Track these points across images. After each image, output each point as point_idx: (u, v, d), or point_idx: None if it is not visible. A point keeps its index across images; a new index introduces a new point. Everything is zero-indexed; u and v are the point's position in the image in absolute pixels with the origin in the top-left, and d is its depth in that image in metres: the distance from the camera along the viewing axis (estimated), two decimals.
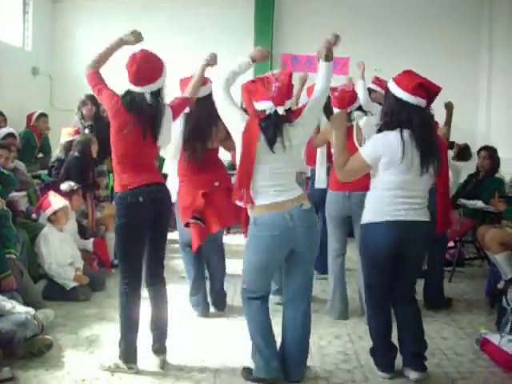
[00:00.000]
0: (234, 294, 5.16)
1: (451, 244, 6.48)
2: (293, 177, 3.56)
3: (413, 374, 3.70)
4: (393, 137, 3.48)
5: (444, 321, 4.88)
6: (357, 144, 4.52)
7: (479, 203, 5.99)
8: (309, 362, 3.92)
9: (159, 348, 3.79)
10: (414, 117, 3.47)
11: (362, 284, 4.26)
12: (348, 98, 4.72)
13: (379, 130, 3.58)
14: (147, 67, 3.63)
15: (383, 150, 3.48)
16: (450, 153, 7.69)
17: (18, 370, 3.64)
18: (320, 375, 3.77)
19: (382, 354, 3.77)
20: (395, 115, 3.51)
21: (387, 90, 3.60)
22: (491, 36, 9.49)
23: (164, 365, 3.78)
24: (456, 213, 6.40)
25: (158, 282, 3.82)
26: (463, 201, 6.22)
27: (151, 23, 9.42)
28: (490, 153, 6.31)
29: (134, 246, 3.63)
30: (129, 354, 3.68)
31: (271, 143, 3.38)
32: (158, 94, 3.68)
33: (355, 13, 9.62)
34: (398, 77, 3.58)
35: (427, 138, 3.51)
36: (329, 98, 4.55)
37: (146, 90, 3.63)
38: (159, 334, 3.80)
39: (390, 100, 3.57)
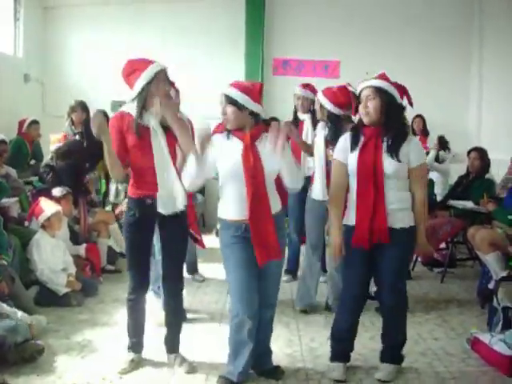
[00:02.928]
0: None
1: (443, 245, 6.52)
2: None
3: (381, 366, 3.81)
4: None
5: (435, 322, 4.91)
6: None
7: (469, 204, 6.03)
8: (300, 364, 3.96)
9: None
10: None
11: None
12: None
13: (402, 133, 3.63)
14: (128, 73, 3.64)
15: None
16: (431, 154, 7.74)
17: (8, 376, 3.64)
18: (311, 376, 3.78)
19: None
20: (400, 117, 3.65)
21: (380, 89, 3.54)
22: (482, 36, 9.53)
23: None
24: (446, 214, 6.44)
25: None
26: (453, 202, 6.25)
27: (142, 29, 9.48)
28: (480, 154, 6.34)
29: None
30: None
31: None
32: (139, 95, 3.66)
33: (346, 16, 9.63)
34: (395, 83, 3.63)
35: None
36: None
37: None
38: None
39: (397, 106, 3.63)
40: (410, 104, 3.73)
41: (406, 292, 3.79)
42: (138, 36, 9.35)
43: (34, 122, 7.73)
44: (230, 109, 3.42)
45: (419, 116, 8.75)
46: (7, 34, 8.84)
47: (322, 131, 4.87)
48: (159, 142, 3.60)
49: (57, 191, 5.75)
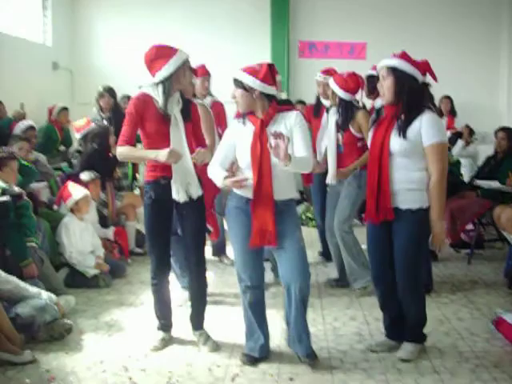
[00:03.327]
0: None
1: (470, 226, 6.46)
2: None
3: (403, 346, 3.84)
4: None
5: (461, 302, 4.88)
6: None
7: (495, 184, 5.96)
8: (323, 343, 3.99)
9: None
10: (426, 98, 3.60)
11: None
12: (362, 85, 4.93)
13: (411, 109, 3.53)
14: (152, 58, 3.66)
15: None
16: (458, 146, 7.69)
17: (39, 352, 3.77)
18: (334, 355, 3.81)
19: None
20: (418, 94, 3.51)
21: (394, 68, 3.49)
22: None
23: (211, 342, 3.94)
24: (474, 195, 6.38)
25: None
26: (479, 182, 6.18)
27: (168, 15, 9.54)
28: (508, 133, 6.24)
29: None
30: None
31: None
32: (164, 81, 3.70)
33: None
34: (406, 56, 3.53)
35: None
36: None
37: None
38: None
39: (402, 78, 3.46)
40: (434, 79, 3.67)
41: (420, 274, 3.72)
42: (164, 22, 9.43)
43: (64, 109, 7.87)
44: (237, 91, 3.43)
45: (447, 97, 8.65)
46: (36, 23, 8.99)
47: (333, 116, 4.99)
48: (178, 130, 3.65)
49: (85, 175, 5.86)
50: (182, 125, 3.67)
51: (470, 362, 3.73)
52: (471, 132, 7.98)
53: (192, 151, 3.67)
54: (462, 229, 6.25)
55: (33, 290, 4.08)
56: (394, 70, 3.47)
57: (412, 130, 3.47)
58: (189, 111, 3.77)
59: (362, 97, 4.97)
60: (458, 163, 7.37)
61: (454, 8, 9.47)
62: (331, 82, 4.92)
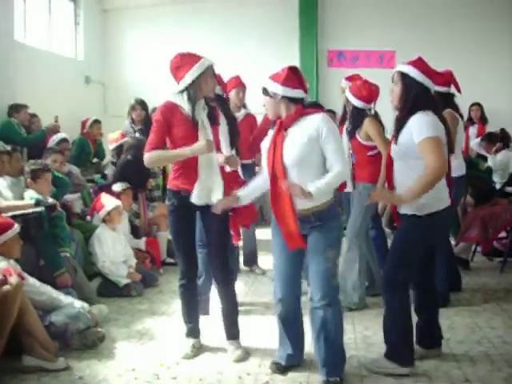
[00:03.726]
0: None
1: (503, 234, 6.38)
2: None
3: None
4: (434, 117, 3.43)
5: (493, 311, 4.82)
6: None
7: None
8: (353, 351, 3.98)
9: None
10: (434, 102, 3.47)
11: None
12: (376, 93, 4.88)
13: (408, 113, 3.47)
14: (176, 66, 3.73)
15: (440, 128, 3.45)
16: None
17: (72, 360, 3.84)
18: (364, 364, 3.80)
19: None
20: (421, 98, 3.44)
21: (403, 74, 3.44)
22: None
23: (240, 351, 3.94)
24: (506, 202, 6.30)
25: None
26: (510, 188, 6.12)
27: (198, 28, 9.66)
28: None
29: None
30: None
31: None
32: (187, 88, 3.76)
33: (400, 6, 9.55)
34: (418, 63, 3.51)
35: (445, 123, 3.52)
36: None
37: None
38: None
39: (410, 84, 3.42)
40: (458, 90, 3.66)
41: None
42: (193, 34, 9.55)
43: (96, 122, 8.03)
44: (265, 99, 3.45)
45: (477, 104, 8.57)
46: (68, 38, 9.20)
47: (348, 124, 4.99)
48: (207, 135, 3.68)
49: (117, 186, 5.96)
50: (209, 128, 3.73)
51: (503, 370, 3.68)
52: (507, 138, 7.79)
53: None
54: (494, 237, 6.16)
55: (66, 299, 4.16)
56: (404, 76, 3.44)
57: (403, 135, 3.44)
58: (214, 115, 3.81)
59: (374, 105, 4.92)
60: (489, 170, 7.28)
61: (483, 15, 9.38)
62: (347, 90, 4.92)
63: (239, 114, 5.50)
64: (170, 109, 3.72)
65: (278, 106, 3.41)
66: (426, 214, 3.45)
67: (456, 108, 4.83)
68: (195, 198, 3.70)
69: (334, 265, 3.41)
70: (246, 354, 3.94)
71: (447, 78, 4.73)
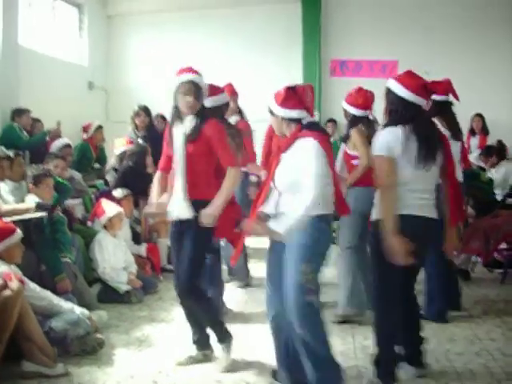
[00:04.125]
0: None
1: (504, 245, 6.38)
2: None
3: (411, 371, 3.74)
4: (397, 131, 3.44)
5: (493, 322, 4.81)
6: None
7: None
8: (353, 361, 3.98)
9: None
10: (416, 115, 3.45)
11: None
12: (371, 99, 4.84)
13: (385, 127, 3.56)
14: None
15: (394, 142, 3.42)
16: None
17: (71, 366, 3.83)
18: (363, 374, 3.79)
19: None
20: (401, 114, 3.47)
21: (388, 89, 3.51)
22: None
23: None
24: (508, 213, 6.31)
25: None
26: (511, 200, 6.13)
27: (202, 35, 9.69)
28: None
29: None
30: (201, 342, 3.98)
31: None
32: None
33: (403, 15, 9.58)
34: (401, 77, 3.55)
35: (430, 135, 3.48)
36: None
37: None
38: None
39: (392, 98, 3.50)
40: (456, 98, 3.67)
41: None
42: (198, 41, 9.59)
43: (100, 127, 8.03)
44: (271, 118, 3.46)
45: (478, 115, 8.59)
46: (73, 44, 9.23)
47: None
48: (180, 150, 3.75)
49: (118, 193, 5.97)
50: (182, 146, 3.75)
51: (502, 383, 3.67)
52: (503, 148, 7.86)
53: (199, 169, 3.76)
54: (495, 248, 6.17)
55: (66, 305, 4.16)
56: (388, 92, 3.50)
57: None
58: (198, 130, 3.78)
59: (371, 111, 4.94)
60: (490, 182, 7.29)
61: (484, 27, 9.41)
62: (343, 102, 4.93)
63: (231, 121, 5.46)
64: (167, 128, 3.92)
65: (280, 125, 3.40)
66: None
67: (453, 117, 4.84)
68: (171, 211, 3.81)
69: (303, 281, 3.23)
70: (231, 365, 3.90)
71: (445, 87, 4.75)
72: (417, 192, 3.47)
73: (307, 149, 3.22)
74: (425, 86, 3.48)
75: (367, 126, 4.75)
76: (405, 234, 3.37)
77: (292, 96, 3.34)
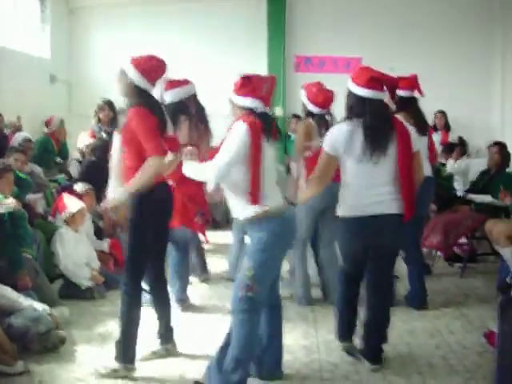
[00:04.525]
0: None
1: (464, 240, 6.50)
2: None
3: (367, 365, 3.83)
4: (343, 127, 3.66)
5: (453, 315, 4.91)
6: None
7: (487, 198, 6.02)
8: (315, 355, 4.02)
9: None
10: (366, 108, 3.60)
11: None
12: (332, 98, 4.98)
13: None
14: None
15: (338, 138, 3.63)
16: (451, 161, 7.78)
17: (32, 363, 3.78)
18: (325, 367, 3.84)
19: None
20: (353, 109, 3.66)
21: (347, 87, 3.72)
22: (505, 31, 9.46)
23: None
24: (467, 209, 6.43)
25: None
26: (471, 196, 6.25)
27: (166, 28, 9.63)
28: (500, 148, 6.32)
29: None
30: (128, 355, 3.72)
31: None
32: None
33: (368, 12, 9.67)
34: (354, 73, 3.72)
35: (377, 127, 3.59)
36: None
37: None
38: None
39: (347, 95, 3.73)
40: (420, 93, 3.78)
41: None
42: (161, 34, 9.51)
43: (62, 122, 7.90)
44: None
45: (441, 111, 8.73)
46: (34, 36, 9.06)
47: None
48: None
49: (79, 187, 5.90)
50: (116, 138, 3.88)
51: (461, 375, 3.75)
52: (463, 144, 8.05)
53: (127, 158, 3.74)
54: (455, 242, 6.29)
55: (26, 302, 4.10)
56: (347, 90, 3.72)
57: None
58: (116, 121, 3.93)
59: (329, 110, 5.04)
60: (450, 177, 7.43)
61: (448, 24, 9.57)
62: (302, 93, 5.03)
63: None
64: None
65: (235, 113, 3.45)
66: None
67: (419, 112, 4.92)
68: None
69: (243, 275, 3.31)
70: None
71: (410, 83, 4.84)
72: (364, 188, 3.62)
73: (233, 129, 3.29)
74: (374, 78, 3.60)
75: (320, 123, 4.88)
76: (352, 235, 3.64)
77: (247, 84, 3.39)
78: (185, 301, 5.00)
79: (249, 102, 3.36)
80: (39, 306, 4.11)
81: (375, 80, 3.58)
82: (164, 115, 3.74)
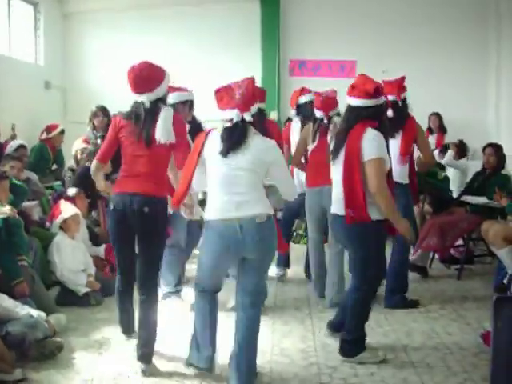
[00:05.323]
0: None
1: (460, 242, 6.52)
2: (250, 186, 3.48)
3: None
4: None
5: (450, 317, 4.92)
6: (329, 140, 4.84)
7: (482, 199, 6.03)
8: (313, 359, 4.02)
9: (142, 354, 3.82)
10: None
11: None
12: (331, 103, 5.19)
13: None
14: (144, 76, 3.74)
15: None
16: (449, 153, 7.81)
17: (30, 371, 3.76)
18: (323, 371, 3.84)
19: None
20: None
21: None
22: (499, 34, 9.50)
23: (146, 372, 3.78)
24: (463, 210, 6.44)
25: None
26: (466, 197, 6.26)
27: (160, 34, 9.62)
28: (495, 149, 6.33)
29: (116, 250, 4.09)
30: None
31: (227, 150, 3.42)
32: (156, 103, 3.78)
33: (362, 16, 9.68)
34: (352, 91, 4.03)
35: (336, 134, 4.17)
36: (311, 102, 5.54)
37: (144, 99, 3.74)
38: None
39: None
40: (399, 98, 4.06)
41: None
42: (155, 40, 9.51)
43: (62, 132, 7.87)
44: None
45: (435, 113, 8.75)
46: (28, 43, 9.05)
47: None
48: None
49: (71, 191, 5.90)
50: None
51: (459, 376, 3.76)
52: (464, 149, 8.07)
53: None
54: (451, 244, 6.30)
55: (22, 311, 4.08)
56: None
57: None
58: None
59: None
60: (446, 179, 7.45)
61: (441, 27, 9.58)
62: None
63: None
64: None
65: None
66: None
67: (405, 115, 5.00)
68: None
69: None
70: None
71: (394, 87, 4.93)
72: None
73: None
74: (352, 87, 3.97)
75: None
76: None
77: (218, 98, 3.49)
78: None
79: (225, 113, 3.44)
80: (35, 313, 4.10)
81: (352, 88, 4.04)
82: None
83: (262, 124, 4.22)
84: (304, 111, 5.73)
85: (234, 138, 3.40)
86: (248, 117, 3.42)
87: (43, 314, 4.13)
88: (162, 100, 3.85)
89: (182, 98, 5.02)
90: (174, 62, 8.85)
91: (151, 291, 3.87)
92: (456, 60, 9.63)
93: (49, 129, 7.82)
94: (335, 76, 9.43)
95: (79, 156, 6.72)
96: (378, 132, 3.85)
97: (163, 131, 3.71)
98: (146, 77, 3.76)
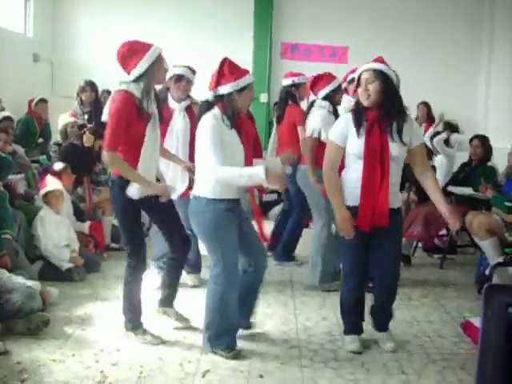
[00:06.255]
0: None
1: (443, 231, 6.56)
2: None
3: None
4: None
5: (431, 305, 4.97)
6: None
7: (468, 190, 6.06)
8: (294, 342, 4.05)
9: None
10: None
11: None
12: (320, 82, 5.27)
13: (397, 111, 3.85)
14: (126, 55, 3.66)
15: None
16: (440, 136, 7.78)
17: (11, 344, 3.75)
18: (304, 354, 3.87)
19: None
20: (399, 98, 3.81)
21: (381, 72, 3.71)
22: (492, 25, 9.51)
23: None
24: (448, 201, 6.46)
25: None
26: (451, 188, 6.29)
27: (151, 11, 9.52)
28: (482, 141, 6.35)
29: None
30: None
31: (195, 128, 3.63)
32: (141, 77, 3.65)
33: (355, 2, 9.66)
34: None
35: None
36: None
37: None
38: None
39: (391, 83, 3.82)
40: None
41: None
42: (147, 18, 9.41)
43: (42, 101, 7.78)
44: None
45: (424, 103, 8.76)
46: (17, 13, 8.91)
47: None
48: (155, 131, 3.74)
49: (57, 165, 5.87)
50: (158, 124, 3.75)
51: (438, 363, 3.81)
52: (455, 128, 8.07)
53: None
54: (435, 234, 6.35)
55: (17, 279, 4.12)
56: (380, 74, 3.61)
57: (404, 135, 3.69)
58: (161, 111, 3.83)
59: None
60: (433, 169, 7.45)
61: (435, 15, 9.59)
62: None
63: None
64: (131, 103, 3.59)
65: None
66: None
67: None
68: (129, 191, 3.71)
69: None
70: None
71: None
72: None
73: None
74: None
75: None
76: None
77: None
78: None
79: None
80: (31, 283, 4.11)
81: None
82: None
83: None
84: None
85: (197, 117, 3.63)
86: (209, 96, 3.53)
87: (38, 284, 4.13)
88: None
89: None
90: (165, 42, 8.73)
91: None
92: (447, 51, 9.65)
93: (29, 103, 7.73)
94: (327, 61, 9.41)
95: (69, 129, 6.65)
96: None
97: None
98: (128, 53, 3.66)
